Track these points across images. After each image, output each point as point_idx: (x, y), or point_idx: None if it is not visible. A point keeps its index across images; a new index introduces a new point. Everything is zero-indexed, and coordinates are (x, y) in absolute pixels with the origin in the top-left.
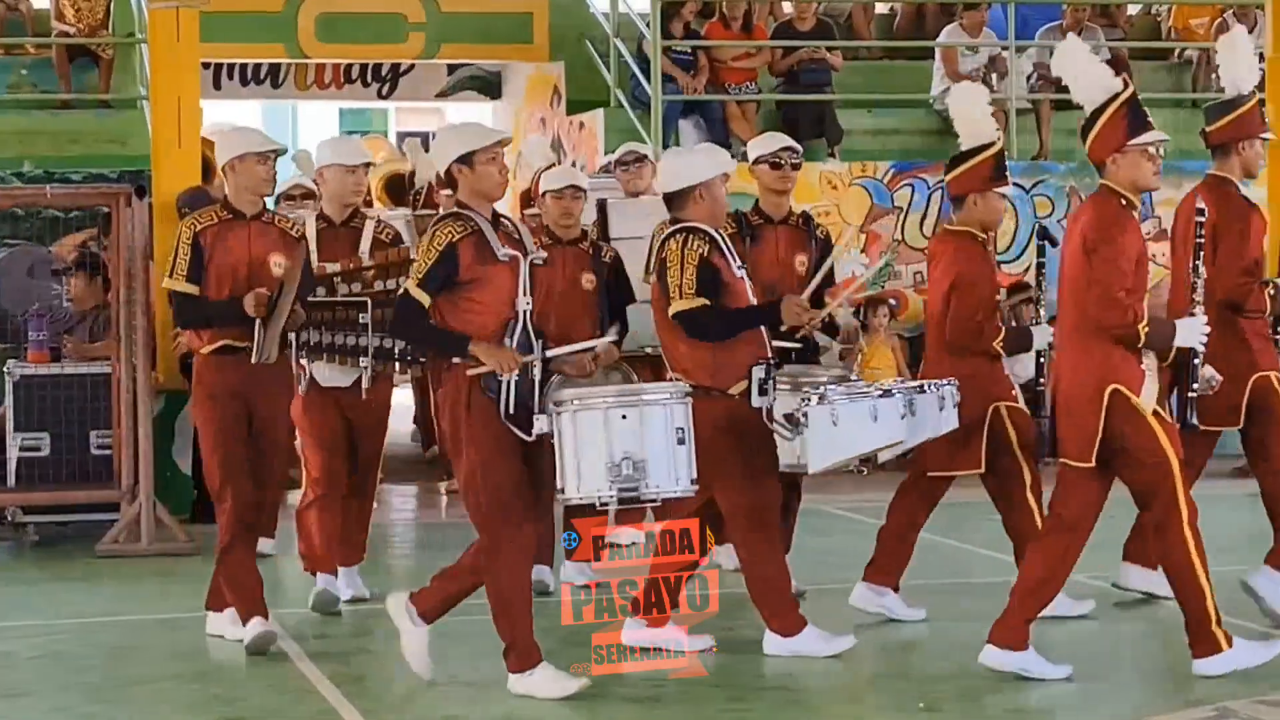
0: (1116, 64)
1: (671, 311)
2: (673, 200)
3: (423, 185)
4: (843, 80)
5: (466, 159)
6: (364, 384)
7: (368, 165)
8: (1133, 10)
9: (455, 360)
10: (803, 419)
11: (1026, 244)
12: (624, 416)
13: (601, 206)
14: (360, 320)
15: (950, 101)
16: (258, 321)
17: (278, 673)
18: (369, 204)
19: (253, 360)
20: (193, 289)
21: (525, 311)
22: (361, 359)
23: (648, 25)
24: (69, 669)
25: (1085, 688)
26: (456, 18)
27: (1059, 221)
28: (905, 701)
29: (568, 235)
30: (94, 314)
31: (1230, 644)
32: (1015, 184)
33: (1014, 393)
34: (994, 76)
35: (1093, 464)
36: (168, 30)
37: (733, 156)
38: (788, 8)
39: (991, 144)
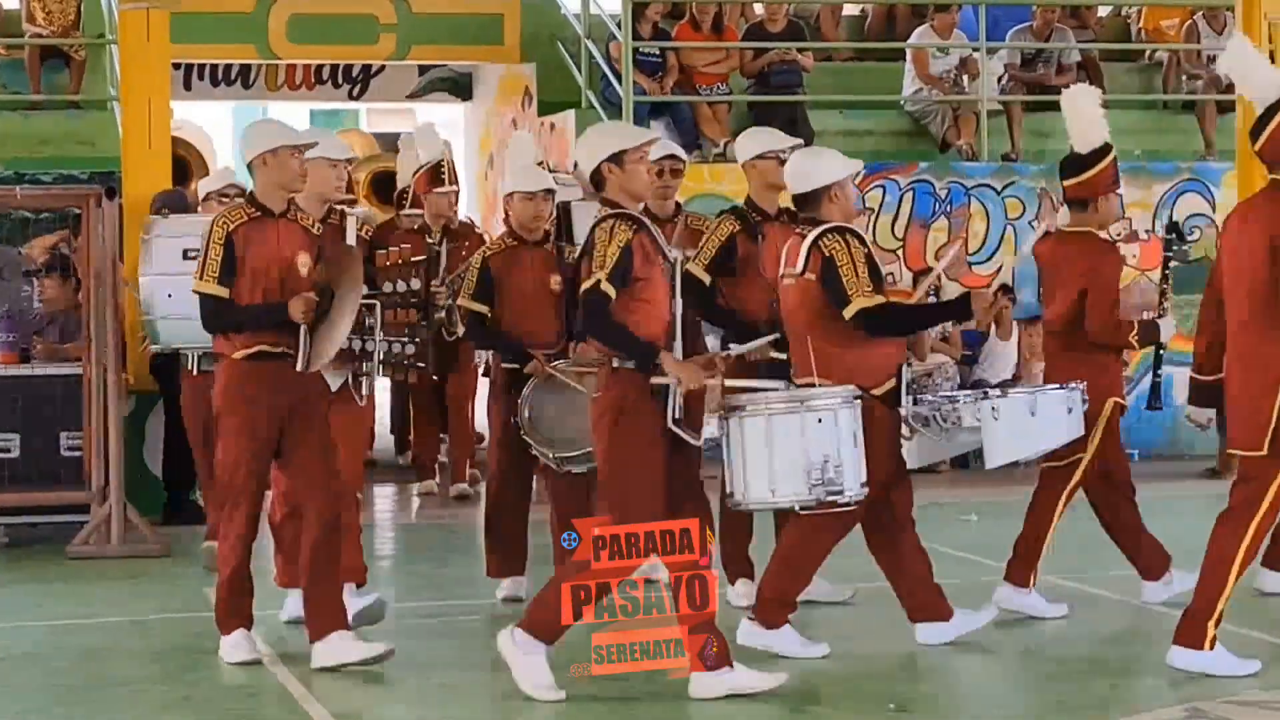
0: (1087, 66)
1: (855, 310)
2: (805, 201)
3: (406, 185)
4: (814, 81)
5: (617, 158)
6: (363, 389)
7: (350, 161)
8: (1103, 12)
9: (615, 365)
10: (992, 412)
11: (998, 246)
12: (820, 420)
13: (565, 209)
14: (367, 323)
15: (1064, 103)
16: (303, 328)
17: (249, 675)
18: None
19: (299, 368)
20: (223, 292)
21: (678, 315)
22: (365, 363)
23: (619, 26)
24: (39, 671)
25: (1058, 689)
26: (428, 19)
27: (1030, 223)
28: (878, 703)
29: (533, 237)
30: (64, 315)
31: (1213, 647)
32: (986, 185)
33: (1123, 391)
34: (965, 78)
35: (1265, 452)
36: (138, 31)
37: (704, 158)
38: (759, 9)
39: (1110, 146)
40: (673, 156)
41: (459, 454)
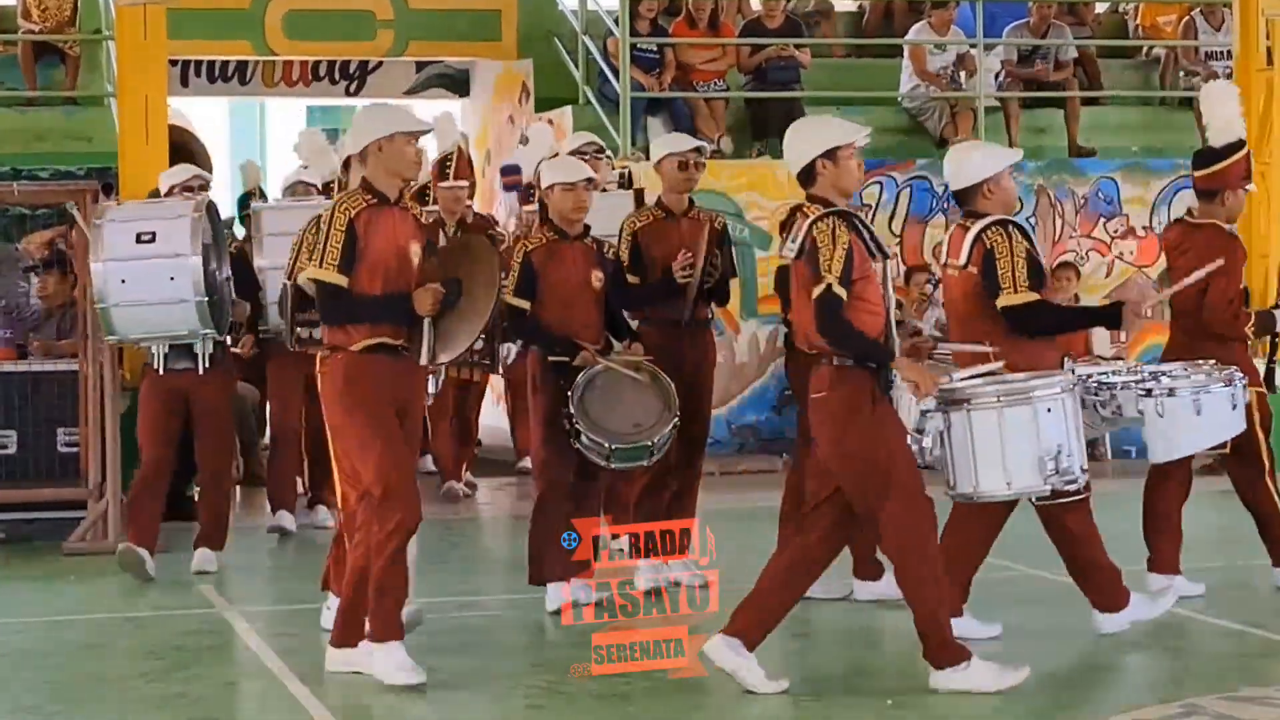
0: (1084, 62)
1: (1004, 304)
2: (963, 196)
3: (426, 181)
4: (811, 78)
5: (832, 154)
6: (428, 387)
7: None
8: (1100, 8)
9: (836, 362)
10: (1157, 408)
11: None
12: (1049, 410)
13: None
14: None
15: (1203, 98)
16: (426, 321)
17: (246, 672)
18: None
19: (422, 362)
20: (343, 280)
21: (892, 310)
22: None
23: (616, 23)
24: (35, 667)
25: (1053, 686)
26: (425, 15)
27: (1027, 220)
28: (874, 699)
29: (575, 230)
30: (61, 311)
31: None
32: None
33: (1259, 376)
34: (962, 74)
35: None
36: (135, 27)
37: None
38: (755, 5)
39: (1244, 142)
40: (698, 149)
41: (463, 453)
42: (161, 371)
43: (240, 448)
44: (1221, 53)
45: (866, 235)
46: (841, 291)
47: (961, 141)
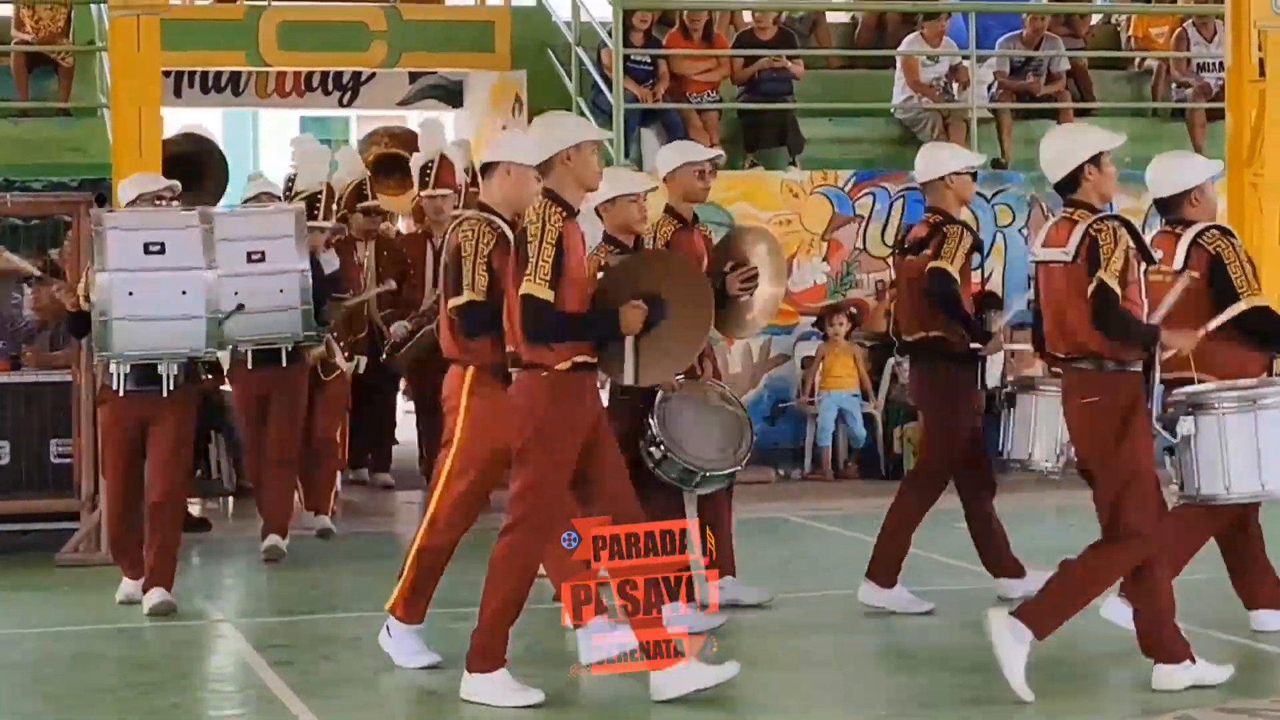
0: (1077, 74)
1: (1245, 307)
2: (1167, 204)
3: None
4: (804, 89)
5: (1096, 159)
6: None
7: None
8: (1093, 20)
9: (1106, 368)
10: None
11: (988, 253)
12: None
13: None
14: None
15: None
16: (629, 338)
17: (240, 682)
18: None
19: (628, 382)
20: (551, 296)
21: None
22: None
23: (609, 34)
24: (29, 678)
25: (1046, 697)
26: (418, 26)
27: (1020, 231)
28: (868, 711)
29: (629, 241)
30: (55, 323)
31: None
32: (976, 192)
33: None
34: (955, 86)
35: None
36: (128, 38)
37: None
38: (748, 17)
39: None
40: (713, 160)
41: None
42: (122, 393)
43: (231, 459)
44: (1213, 64)
45: (1136, 242)
46: (1116, 287)
47: (1167, 152)
